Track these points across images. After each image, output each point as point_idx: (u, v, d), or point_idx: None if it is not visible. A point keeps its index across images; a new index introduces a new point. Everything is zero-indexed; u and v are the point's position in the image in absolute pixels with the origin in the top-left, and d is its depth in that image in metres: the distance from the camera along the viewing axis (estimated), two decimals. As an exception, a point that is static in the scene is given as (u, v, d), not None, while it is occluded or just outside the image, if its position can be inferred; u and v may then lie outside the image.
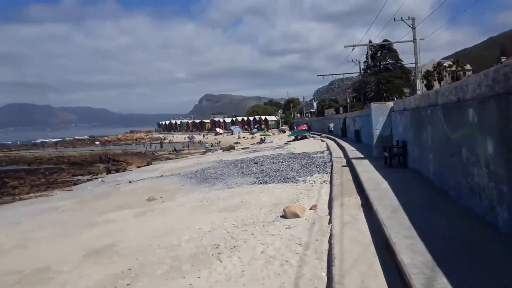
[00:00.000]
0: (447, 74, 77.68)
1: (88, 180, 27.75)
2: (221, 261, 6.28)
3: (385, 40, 56.71)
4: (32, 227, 11.63)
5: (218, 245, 7.15)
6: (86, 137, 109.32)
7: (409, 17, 30.83)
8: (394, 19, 30.64)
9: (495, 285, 3.73)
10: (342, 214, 7.44)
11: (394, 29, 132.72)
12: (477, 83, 5.80)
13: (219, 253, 6.69)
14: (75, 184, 25.57)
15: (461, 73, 78.45)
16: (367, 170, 11.98)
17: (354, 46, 35.80)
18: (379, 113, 14.79)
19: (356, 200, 8.77)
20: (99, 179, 25.95)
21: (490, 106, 5.34)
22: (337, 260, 4.99)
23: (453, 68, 79.17)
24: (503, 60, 69.46)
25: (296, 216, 8.44)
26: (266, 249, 6.52)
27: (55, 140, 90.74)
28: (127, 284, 5.87)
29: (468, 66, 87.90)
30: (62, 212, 14.07)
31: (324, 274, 5.15)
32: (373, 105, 15.01)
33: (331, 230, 6.72)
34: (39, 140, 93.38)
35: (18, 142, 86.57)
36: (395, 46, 66.80)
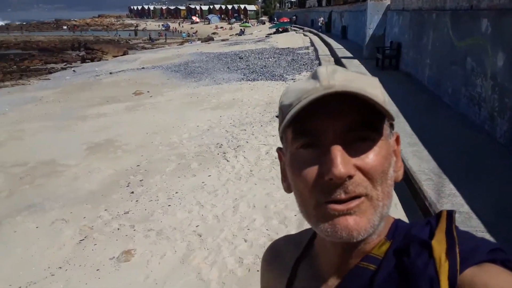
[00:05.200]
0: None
1: (63, 68, 26.76)
2: (228, 161, 6.55)
3: None
4: (20, 118, 11.48)
5: (221, 145, 7.37)
6: (51, 20, 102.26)
7: None
8: None
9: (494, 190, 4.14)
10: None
11: None
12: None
13: (224, 153, 6.94)
14: (50, 73, 24.64)
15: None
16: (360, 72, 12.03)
17: None
18: (375, 11, 14.34)
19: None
20: (72, 69, 25.05)
21: (509, 20, 5.31)
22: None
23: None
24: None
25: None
26: (270, 150, 6.80)
27: (18, 23, 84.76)
28: (140, 180, 6.12)
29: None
30: (47, 103, 13.82)
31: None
32: (370, 1, 14.44)
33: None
34: (4, 22, 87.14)
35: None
36: None
